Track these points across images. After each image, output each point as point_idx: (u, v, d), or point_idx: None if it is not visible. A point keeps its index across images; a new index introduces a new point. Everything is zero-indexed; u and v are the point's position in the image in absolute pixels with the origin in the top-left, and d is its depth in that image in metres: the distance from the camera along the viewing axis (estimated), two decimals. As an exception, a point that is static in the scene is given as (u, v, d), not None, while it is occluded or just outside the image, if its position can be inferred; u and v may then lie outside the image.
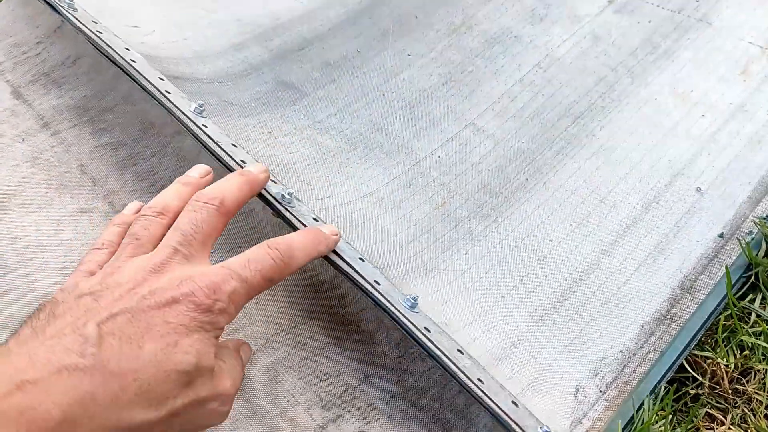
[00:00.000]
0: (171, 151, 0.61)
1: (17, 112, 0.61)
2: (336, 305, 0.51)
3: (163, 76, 0.57)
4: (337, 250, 0.47)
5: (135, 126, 0.62)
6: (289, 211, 0.49)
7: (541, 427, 0.42)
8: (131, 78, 0.56)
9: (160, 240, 0.41)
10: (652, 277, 0.56)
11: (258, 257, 0.40)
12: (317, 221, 0.49)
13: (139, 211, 0.44)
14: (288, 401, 0.46)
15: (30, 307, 0.48)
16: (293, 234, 0.43)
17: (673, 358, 0.51)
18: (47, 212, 0.54)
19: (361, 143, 0.64)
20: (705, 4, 0.80)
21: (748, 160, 0.64)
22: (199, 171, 0.46)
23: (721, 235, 0.59)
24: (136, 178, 0.58)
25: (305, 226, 0.48)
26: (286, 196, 0.49)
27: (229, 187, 0.43)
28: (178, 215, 0.42)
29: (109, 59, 0.57)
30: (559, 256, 0.58)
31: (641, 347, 0.52)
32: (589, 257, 0.58)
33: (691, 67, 0.73)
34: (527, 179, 0.63)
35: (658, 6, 0.80)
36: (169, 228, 0.41)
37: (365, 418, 0.47)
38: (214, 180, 0.45)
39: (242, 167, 0.50)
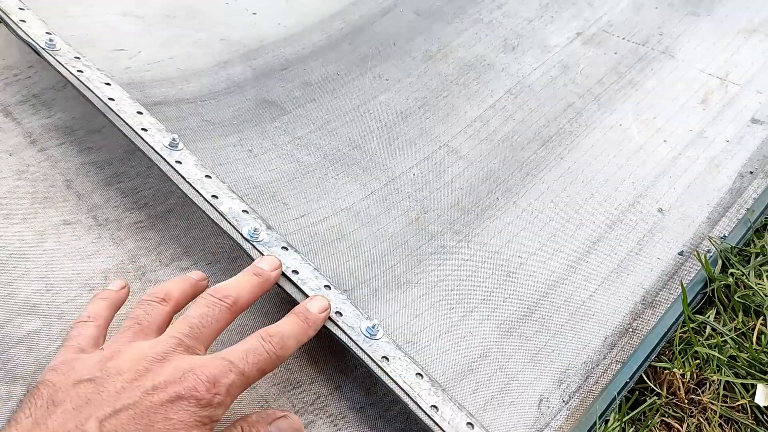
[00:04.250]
0: (155, 172, 0.61)
1: (5, 129, 0.62)
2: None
3: (142, 109, 0.57)
4: (299, 284, 0.48)
5: (121, 148, 0.63)
6: (255, 248, 0.50)
7: None
8: (108, 119, 0.56)
9: (161, 326, 0.41)
10: (616, 292, 0.57)
11: (255, 350, 0.40)
12: (287, 250, 0.50)
13: (123, 288, 0.45)
14: (262, 406, 0.46)
15: (11, 314, 0.48)
16: (285, 323, 0.43)
17: (634, 369, 0.51)
18: (31, 223, 0.54)
19: (339, 159, 0.65)
20: (668, 38, 0.82)
21: (707, 183, 0.66)
22: (197, 275, 0.46)
23: (681, 253, 0.60)
24: (120, 194, 0.59)
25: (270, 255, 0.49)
26: (253, 231, 0.50)
27: (245, 287, 0.44)
28: (178, 304, 0.42)
29: (86, 99, 0.57)
30: (527, 271, 0.58)
31: (604, 358, 0.53)
32: (556, 273, 0.58)
33: (654, 95, 0.75)
34: (498, 198, 0.64)
35: (623, 38, 0.82)
36: (170, 315, 0.42)
37: (335, 425, 0.47)
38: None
39: (212, 204, 0.51)
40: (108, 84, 0.58)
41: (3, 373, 0.45)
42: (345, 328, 0.47)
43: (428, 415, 0.44)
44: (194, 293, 0.46)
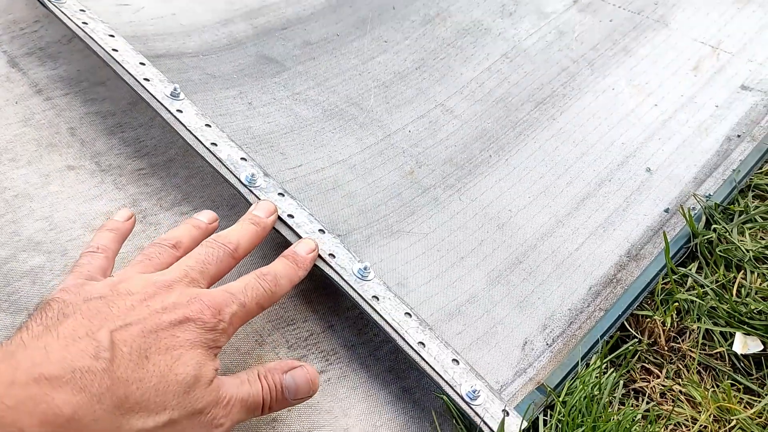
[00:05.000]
0: (157, 123, 0.62)
1: (12, 79, 0.63)
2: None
3: (144, 60, 0.58)
4: (294, 228, 0.49)
5: (125, 99, 0.64)
6: (252, 193, 0.51)
7: (472, 386, 0.44)
8: (112, 69, 0.57)
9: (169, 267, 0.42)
10: (602, 245, 0.59)
11: (252, 285, 0.42)
12: (283, 196, 0.51)
13: (129, 218, 0.46)
14: (256, 340, 0.48)
15: (15, 249, 0.49)
16: (276, 264, 0.45)
17: (616, 316, 0.53)
18: (36, 167, 0.55)
19: (337, 115, 0.66)
20: (663, 7, 0.83)
21: (695, 146, 0.67)
22: (207, 217, 0.47)
23: (666, 210, 0.61)
24: (123, 143, 0.60)
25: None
26: (251, 177, 0.52)
27: (245, 236, 0.45)
28: (188, 252, 0.43)
29: (91, 50, 0.58)
30: (516, 224, 0.60)
31: (588, 306, 0.54)
32: (545, 226, 0.60)
33: (648, 62, 0.76)
34: (491, 155, 0.65)
35: (619, 7, 0.83)
36: (178, 260, 0.42)
37: (327, 360, 0.48)
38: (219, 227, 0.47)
39: (212, 150, 0.52)
40: (112, 36, 0.60)
41: (8, 305, 0.47)
42: (338, 269, 0.48)
43: (415, 351, 0.45)
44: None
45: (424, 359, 0.45)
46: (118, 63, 0.57)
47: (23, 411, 0.30)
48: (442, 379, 0.44)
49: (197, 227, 0.46)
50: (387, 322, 0.46)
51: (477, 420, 0.43)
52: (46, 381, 0.32)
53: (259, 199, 0.51)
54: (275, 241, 0.54)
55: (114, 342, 0.34)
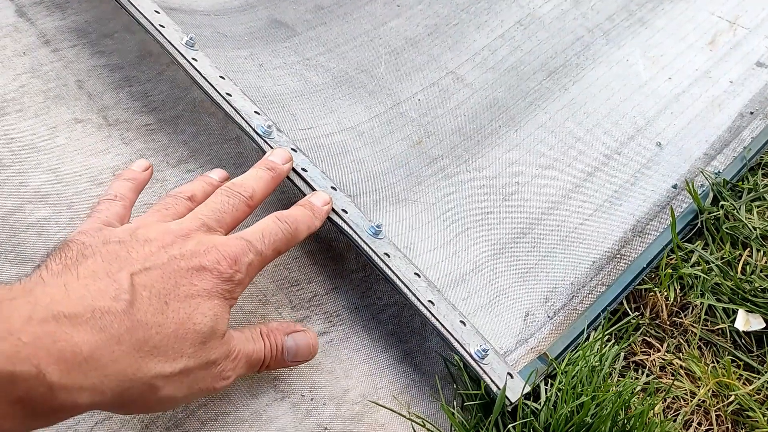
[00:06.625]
0: (165, 78, 0.61)
1: (20, 29, 0.62)
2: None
3: (159, 9, 0.57)
4: (309, 180, 0.48)
5: (133, 53, 0.62)
6: (267, 143, 0.50)
7: (481, 345, 0.44)
8: (126, 11, 0.56)
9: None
10: (607, 220, 0.58)
11: (270, 230, 0.41)
12: (295, 151, 0.50)
13: (147, 169, 0.46)
14: (260, 300, 0.47)
15: (22, 201, 0.49)
16: (295, 210, 0.44)
17: (618, 291, 0.53)
18: (43, 119, 0.54)
19: (347, 82, 0.65)
20: (682, -21, 0.81)
21: (707, 121, 0.65)
22: (218, 175, 0.47)
23: (674, 186, 0.60)
24: (130, 97, 0.59)
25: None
26: (266, 128, 0.50)
27: (259, 183, 0.44)
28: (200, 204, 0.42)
29: None
30: (523, 197, 0.59)
31: (590, 281, 0.54)
32: (551, 199, 0.59)
33: (663, 34, 0.74)
34: (500, 126, 0.64)
35: (638, -23, 0.80)
36: None
37: (330, 322, 0.48)
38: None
39: (227, 100, 0.51)
40: None
41: (14, 255, 0.47)
42: (351, 224, 0.48)
43: (426, 308, 0.45)
44: None
45: (434, 316, 0.45)
46: (135, 6, 0.55)
47: (41, 347, 0.30)
48: (452, 336, 0.44)
49: (210, 184, 0.45)
50: (399, 279, 0.46)
51: (486, 378, 0.43)
52: (66, 318, 0.31)
53: (272, 148, 0.49)
54: (289, 200, 0.53)
55: (134, 285, 0.34)
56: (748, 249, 0.55)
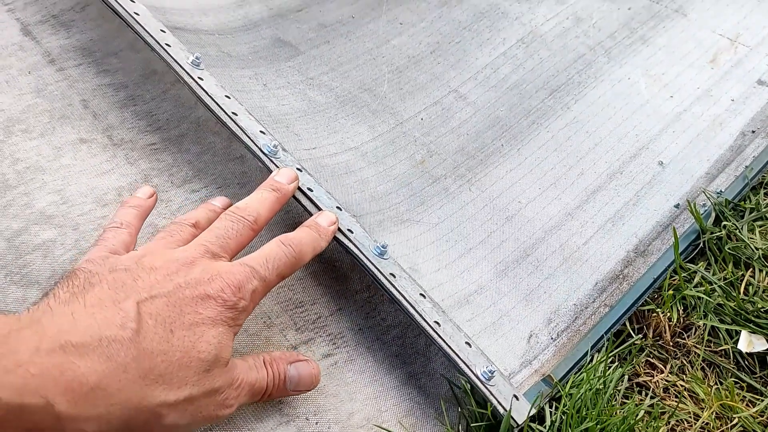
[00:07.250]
0: (170, 96, 0.61)
1: (25, 48, 0.62)
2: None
3: (164, 28, 0.57)
4: (314, 200, 0.49)
5: (138, 71, 0.63)
6: (273, 162, 0.50)
7: (487, 367, 0.44)
8: (133, 30, 0.56)
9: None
10: (610, 240, 0.58)
11: (275, 255, 0.41)
12: (301, 171, 0.50)
13: (152, 196, 0.46)
14: (264, 322, 0.47)
15: (27, 222, 0.49)
16: (299, 232, 0.45)
17: (621, 312, 0.53)
18: (48, 139, 0.55)
19: (350, 101, 0.65)
20: (683, -4, 0.81)
21: (709, 140, 0.66)
22: (222, 202, 0.47)
23: (676, 206, 0.60)
24: (135, 117, 0.59)
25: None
26: (272, 147, 0.51)
27: (264, 205, 0.45)
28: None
29: (113, 11, 0.57)
30: (525, 216, 0.59)
31: (593, 302, 0.54)
32: (554, 219, 0.59)
33: (664, 52, 0.74)
34: (502, 145, 0.64)
35: (639, -5, 0.81)
36: None
37: (334, 344, 0.48)
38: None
39: (233, 119, 0.51)
40: (133, 1, 0.58)
41: (19, 277, 0.47)
42: (357, 244, 0.48)
43: (433, 329, 0.45)
44: None
45: (441, 337, 0.45)
46: (142, 26, 0.56)
47: (49, 378, 0.30)
48: (459, 358, 0.44)
49: (213, 211, 0.45)
50: (406, 299, 0.46)
51: (493, 400, 0.43)
52: (73, 348, 0.31)
53: (279, 168, 0.50)
54: (293, 219, 0.53)
55: (140, 313, 0.34)
56: (751, 269, 0.55)
